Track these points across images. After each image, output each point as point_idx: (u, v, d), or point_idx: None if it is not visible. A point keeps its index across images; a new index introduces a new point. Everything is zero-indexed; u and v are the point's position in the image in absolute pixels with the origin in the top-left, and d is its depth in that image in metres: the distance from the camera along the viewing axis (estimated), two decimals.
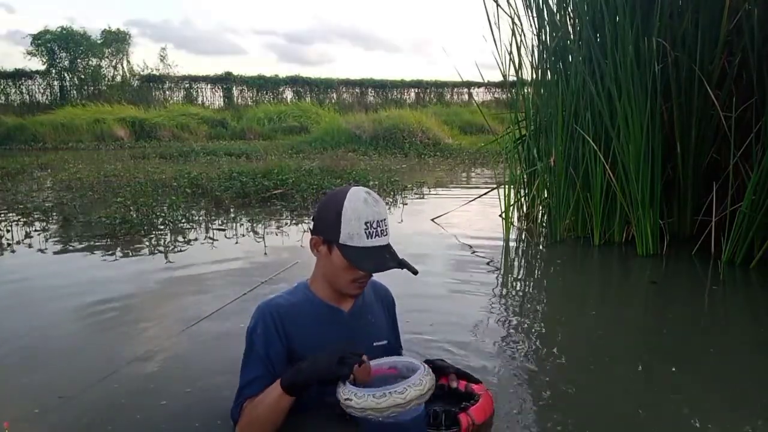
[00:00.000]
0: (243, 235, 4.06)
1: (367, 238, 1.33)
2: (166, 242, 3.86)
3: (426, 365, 1.29)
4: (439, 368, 1.50)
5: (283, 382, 1.27)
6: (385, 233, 1.37)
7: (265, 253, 3.51)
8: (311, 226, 1.44)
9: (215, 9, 55.43)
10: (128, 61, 20.03)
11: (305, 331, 1.41)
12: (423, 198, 5.93)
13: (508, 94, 5.36)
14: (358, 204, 1.34)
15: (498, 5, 4.05)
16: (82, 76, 18.95)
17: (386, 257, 1.36)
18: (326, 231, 1.37)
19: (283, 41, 53.47)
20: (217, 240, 3.91)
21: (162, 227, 4.29)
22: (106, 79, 19.48)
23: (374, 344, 1.51)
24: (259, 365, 1.38)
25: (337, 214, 1.33)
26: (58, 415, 1.62)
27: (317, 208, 1.43)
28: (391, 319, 1.64)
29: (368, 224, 1.33)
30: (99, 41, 19.37)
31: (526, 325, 2.33)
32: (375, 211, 1.35)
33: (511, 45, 4.17)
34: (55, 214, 4.83)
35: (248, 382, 1.38)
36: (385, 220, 1.37)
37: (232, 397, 1.43)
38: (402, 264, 1.38)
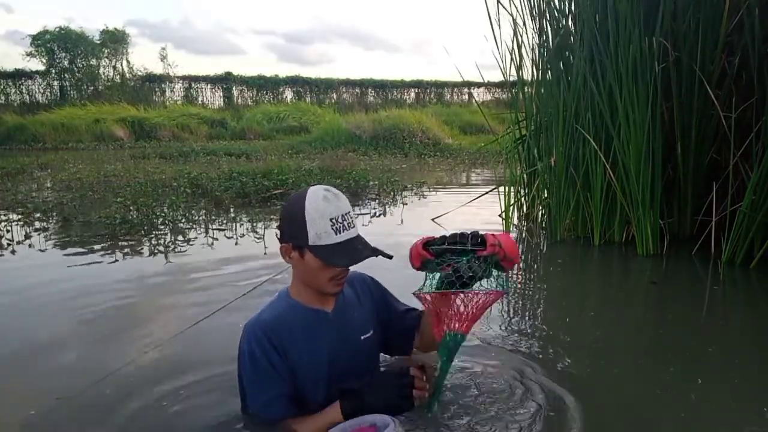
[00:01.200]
0: (243, 235, 4.06)
1: (336, 234, 1.33)
2: (166, 242, 3.86)
3: (395, 420, 1.27)
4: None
5: (346, 410, 1.34)
6: (352, 225, 1.36)
7: (265, 253, 3.51)
8: (278, 235, 1.43)
9: (214, 9, 55.55)
10: (127, 61, 20.06)
11: (294, 339, 1.40)
12: (423, 198, 5.92)
13: (509, 94, 5.36)
14: (319, 203, 1.33)
15: (500, 4, 4.05)
16: (79, 76, 18.92)
17: (358, 248, 1.35)
18: (294, 236, 1.36)
19: (283, 41, 53.63)
20: (217, 240, 3.91)
21: (162, 227, 4.29)
22: (104, 78, 19.48)
23: (362, 338, 1.51)
24: (275, 382, 1.38)
25: (301, 218, 1.32)
26: (56, 416, 1.61)
27: (280, 216, 1.42)
28: (380, 296, 1.61)
29: (333, 220, 1.32)
30: (97, 41, 19.36)
31: (525, 325, 2.33)
32: (337, 205, 1.34)
33: (512, 44, 4.17)
34: (55, 214, 4.83)
35: (270, 400, 1.37)
36: (349, 212, 1.37)
37: (230, 398, 1.43)
38: (376, 251, 1.38)
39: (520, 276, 3.28)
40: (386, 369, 1.47)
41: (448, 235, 1.36)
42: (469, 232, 1.35)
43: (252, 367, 1.38)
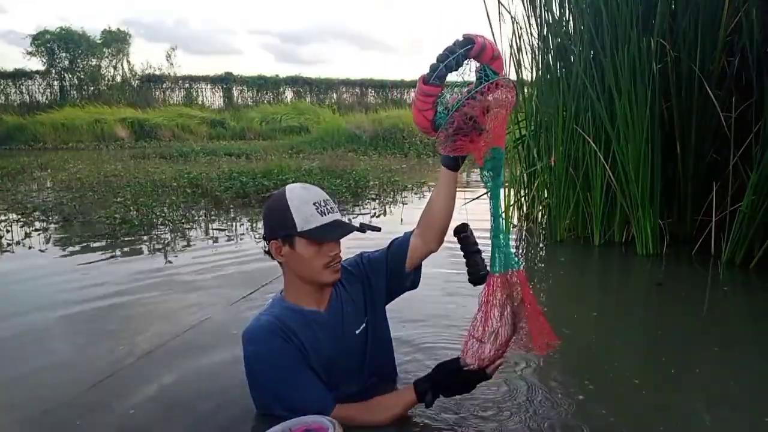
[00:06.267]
0: (243, 235, 4.06)
1: (321, 216, 1.38)
2: (165, 242, 3.86)
3: (334, 423, 1.21)
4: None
5: (425, 398, 1.37)
6: (334, 210, 1.42)
7: (265, 253, 3.50)
8: (263, 235, 1.46)
9: (210, 9, 55.41)
10: (128, 61, 20.05)
11: (296, 339, 1.39)
12: (423, 198, 5.92)
13: None
14: (299, 192, 1.39)
15: (500, 4, 4.06)
16: (81, 76, 18.92)
17: (345, 225, 1.41)
18: (282, 230, 1.39)
19: (279, 41, 53.62)
20: (217, 240, 3.91)
21: (162, 227, 4.28)
22: (106, 79, 19.48)
23: (356, 332, 1.51)
24: (310, 377, 1.37)
25: (285, 209, 1.37)
26: (50, 419, 1.60)
27: (264, 216, 1.45)
28: (369, 268, 1.58)
29: (317, 204, 1.38)
30: (99, 41, 19.36)
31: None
32: (316, 192, 1.41)
33: (511, 45, 4.17)
34: (54, 214, 4.83)
35: (315, 390, 1.36)
36: (328, 200, 1.42)
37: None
38: (363, 227, 1.43)
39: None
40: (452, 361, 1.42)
41: (437, 57, 1.23)
42: (454, 43, 1.23)
43: (276, 364, 1.36)
